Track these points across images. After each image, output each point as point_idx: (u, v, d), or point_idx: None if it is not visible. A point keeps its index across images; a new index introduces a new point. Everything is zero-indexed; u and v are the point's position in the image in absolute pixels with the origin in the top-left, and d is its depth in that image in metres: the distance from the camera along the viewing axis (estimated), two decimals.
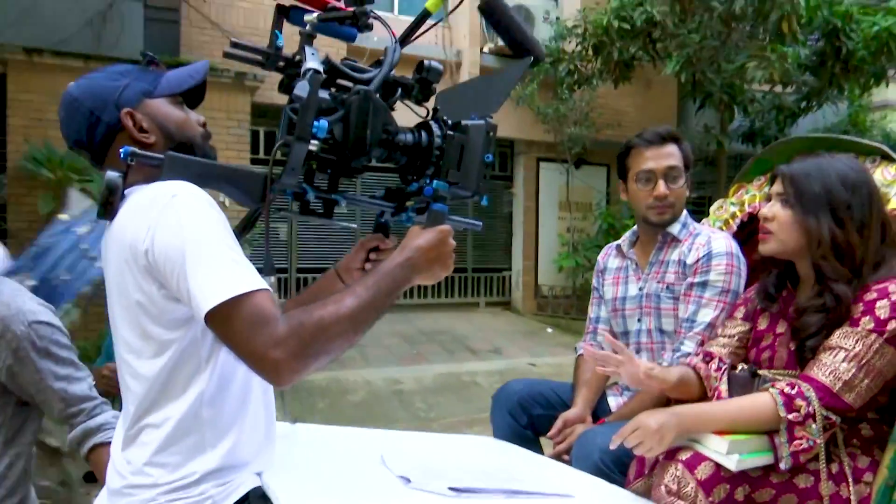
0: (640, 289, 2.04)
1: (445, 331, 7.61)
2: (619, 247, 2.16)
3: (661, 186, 1.96)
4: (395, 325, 7.55)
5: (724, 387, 1.58)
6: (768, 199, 1.68)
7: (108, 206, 1.09)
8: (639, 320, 2.03)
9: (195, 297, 0.99)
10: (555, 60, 6.86)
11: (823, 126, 8.48)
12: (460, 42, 7.61)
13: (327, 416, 4.86)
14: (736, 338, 1.72)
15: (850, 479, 1.43)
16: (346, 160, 1.15)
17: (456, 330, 7.70)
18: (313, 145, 1.07)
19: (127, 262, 1.06)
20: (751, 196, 2.19)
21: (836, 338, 1.45)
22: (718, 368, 1.63)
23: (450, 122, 1.22)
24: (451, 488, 1.23)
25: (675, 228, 1.99)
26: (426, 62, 1.22)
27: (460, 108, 1.26)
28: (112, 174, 1.09)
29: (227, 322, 0.99)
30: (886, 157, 1.80)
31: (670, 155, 1.97)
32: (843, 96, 6.74)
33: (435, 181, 1.19)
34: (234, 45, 1.11)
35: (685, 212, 2.04)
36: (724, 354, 1.70)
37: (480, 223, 1.37)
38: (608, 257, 2.19)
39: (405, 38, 1.28)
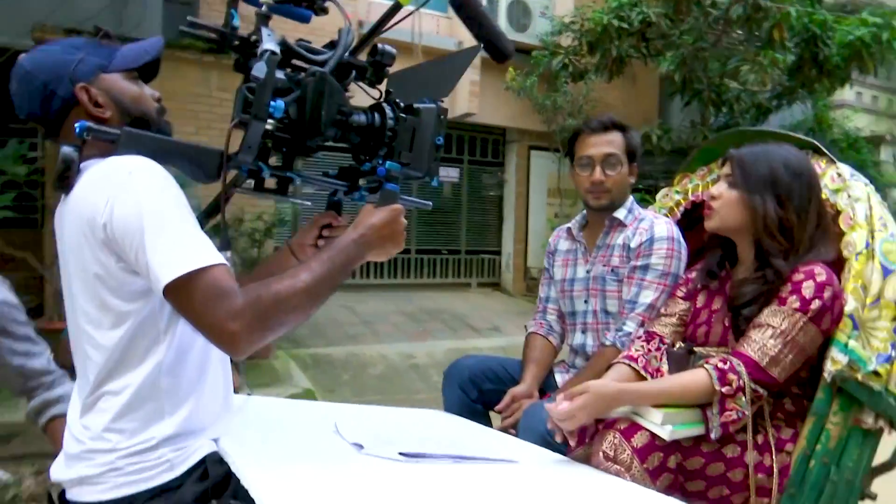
0: (588, 271, 2.11)
1: (445, 309, 7.85)
2: (569, 229, 2.24)
3: (598, 172, 2.04)
4: (399, 303, 7.79)
5: (665, 367, 1.68)
6: (717, 182, 1.77)
7: (64, 181, 1.11)
8: (585, 301, 2.11)
9: (153, 271, 1.02)
10: (551, 54, 7.17)
11: (791, 122, 8.91)
12: (462, 33, 7.73)
13: (353, 388, 5.09)
14: (676, 316, 1.82)
15: (773, 449, 1.54)
16: (301, 139, 1.19)
17: (455, 309, 7.96)
18: (269, 124, 1.10)
19: (85, 236, 1.08)
20: (694, 185, 2.28)
21: (765, 316, 1.55)
22: (658, 348, 1.72)
23: (402, 104, 1.27)
24: (401, 453, 1.28)
25: (620, 213, 2.07)
26: (379, 46, 1.26)
27: (413, 91, 1.30)
28: (67, 149, 1.10)
29: (185, 295, 1.02)
30: (818, 151, 1.91)
31: (610, 143, 2.05)
32: (811, 96, 7.27)
33: (387, 162, 1.24)
34: (191, 23, 1.13)
35: (631, 198, 2.12)
36: (666, 333, 1.79)
37: (430, 203, 1.42)
38: (559, 239, 2.26)
39: (376, 30, 1.31)
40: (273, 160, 1.24)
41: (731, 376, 1.48)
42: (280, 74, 1.15)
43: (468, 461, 1.34)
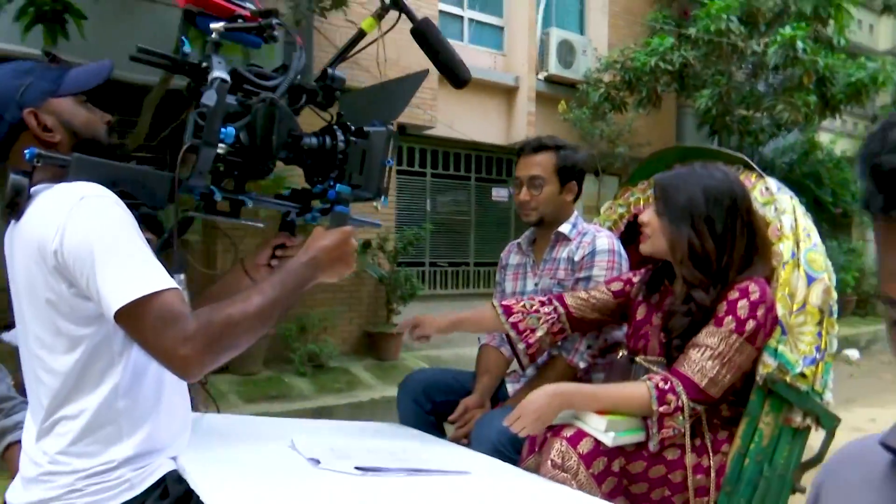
0: (536, 284, 2.19)
1: None
2: (519, 244, 2.31)
3: (522, 193, 2.15)
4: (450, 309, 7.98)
5: (541, 333, 1.89)
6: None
7: (14, 207, 1.11)
8: None
9: (104, 297, 1.04)
10: (592, 88, 8.33)
11: (784, 145, 10.07)
12: (518, 69, 8.52)
13: None
14: (591, 299, 1.92)
15: (710, 451, 1.62)
16: (253, 163, 1.22)
17: None
18: (221, 149, 1.13)
19: (36, 263, 1.09)
20: (635, 199, 2.38)
21: (703, 336, 1.61)
22: (550, 314, 1.91)
23: (353, 127, 1.31)
24: (357, 468, 1.32)
25: (565, 228, 2.15)
26: (329, 70, 1.30)
27: (363, 114, 1.35)
28: (16, 176, 1.11)
29: (136, 320, 1.04)
30: (748, 166, 2.02)
31: (537, 164, 2.14)
32: (806, 124, 8.35)
33: (338, 184, 1.27)
34: (141, 50, 1.15)
35: (575, 213, 2.20)
36: (573, 307, 1.92)
37: (379, 222, 1.46)
38: (510, 254, 2.34)
39: (341, 56, 1.35)
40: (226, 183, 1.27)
41: (671, 397, 1.55)
42: (231, 100, 1.18)
43: (422, 473, 1.38)
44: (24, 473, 1.17)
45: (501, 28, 8.72)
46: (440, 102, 7.23)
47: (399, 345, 6.40)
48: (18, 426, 1.59)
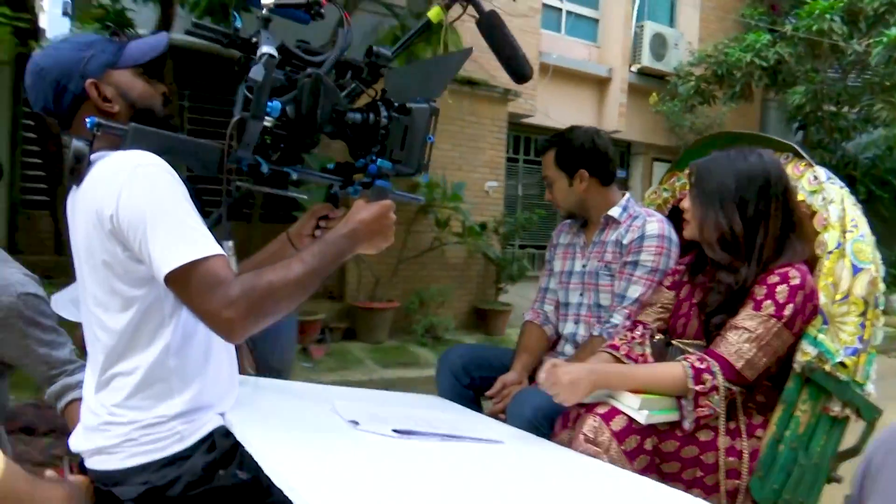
0: (584, 266, 2.20)
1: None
2: (571, 224, 2.32)
3: (547, 193, 2.21)
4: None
5: (648, 350, 1.77)
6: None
7: (75, 173, 1.19)
8: (580, 294, 2.19)
9: (155, 261, 1.10)
10: (682, 80, 8.67)
11: (867, 141, 9.99)
12: (612, 60, 8.86)
13: None
14: (660, 304, 1.90)
15: (744, 435, 1.62)
16: (299, 136, 1.27)
17: None
18: (268, 122, 1.18)
19: (94, 226, 1.16)
20: (681, 184, 2.36)
21: (741, 318, 1.62)
22: (643, 335, 1.81)
23: (396, 103, 1.35)
24: (394, 430, 1.37)
25: (615, 212, 2.15)
26: (375, 47, 1.34)
27: (407, 90, 1.38)
28: (78, 143, 1.18)
29: (184, 284, 1.10)
30: (797, 154, 1.98)
31: (544, 165, 2.20)
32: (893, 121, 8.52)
33: (379, 159, 1.32)
34: (196, 25, 1.21)
35: (627, 195, 2.20)
36: (650, 321, 1.88)
37: (422, 198, 1.50)
38: (561, 233, 2.35)
39: (405, 44, 1.40)
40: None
41: (706, 376, 1.56)
42: (279, 74, 1.23)
43: (456, 440, 1.43)
44: (85, 422, 1.26)
45: (597, 21, 9.11)
46: (538, 92, 7.73)
47: (506, 321, 6.88)
48: (79, 385, 1.69)
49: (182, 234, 1.12)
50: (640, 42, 8.88)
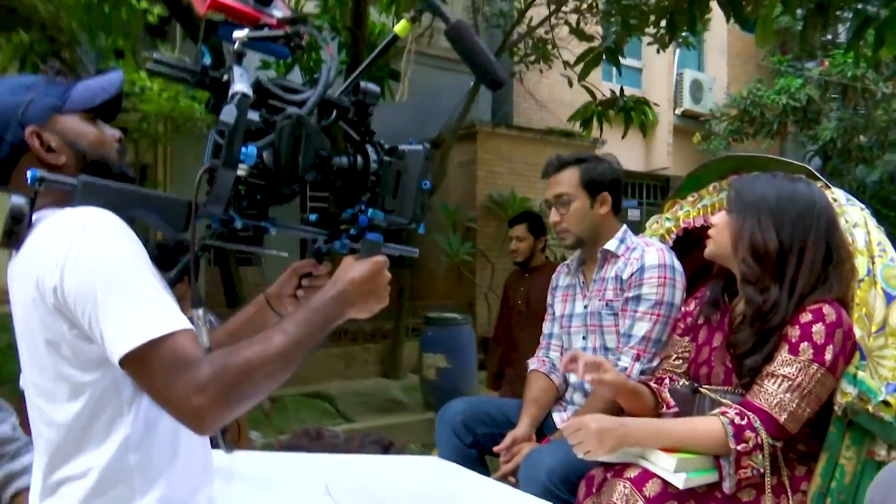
0: (585, 307, 2.04)
1: None
2: (568, 265, 2.17)
3: (553, 214, 2.03)
4: None
5: (667, 396, 1.60)
6: (708, 208, 1.72)
7: (12, 236, 1.01)
8: (584, 338, 2.03)
9: (109, 340, 0.92)
10: (716, 120, 10.02)
11: (871, 166, 11.34)
12: (658, 103, 9.67)
13: None
14: (676, 355, 1.74)
15: (788, 491, 1.46)
16: (277, 186, 1.10)
17: None
18: (242, 170, 1.02)
19: (34, 300, 0.98)
20: (685, 212, 2.23)
21: (778, 364, 1.47)
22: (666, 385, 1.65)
23: (386, 146, 1.19)
24: None
25: (612, 245, 2.00)
26: (362, 84, 1.18)
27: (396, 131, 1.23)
28: (17, 200, 1.01)
29: (143, 367, 0.92)
30: (811, 176, 1.86)
31: (558, 183, 2.03)
32: None
33: (370, 209, 1.15)
34: (157, 61, 1.04)
35: (624, 227, 2.06)
36: (669, 371, 1.71)
37: (416, 250, 1.33)
38: (560, 275, 2.20)
39: (372, 61, 1.25)
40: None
41: (749, 433, 1.41)
42: (254, 116, 1.07)
43: None
44: None
45: (641, 70, 10.42)
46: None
47: None
48: (25, 471, 1.48)
49: (140, 306, 0.94)
50: (681, 87, 10.22)
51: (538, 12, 6.44)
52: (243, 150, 1.00)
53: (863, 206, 1.78)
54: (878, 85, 8.95)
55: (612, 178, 2.04)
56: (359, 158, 1.16)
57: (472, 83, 6.08)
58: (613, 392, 1.65)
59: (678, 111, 10.17)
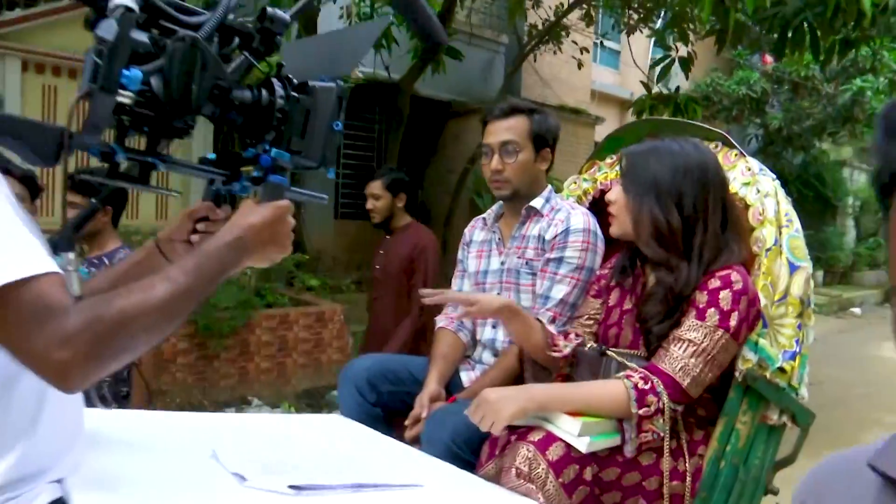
0: (502, 263, 2.00)
1: None
2: (484, 219, 2.11)
3: (495, 160, 1.94)
4: None
5: (567, 349, 1.60)
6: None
7: None
8: (498, 294, 1.99)
9: None
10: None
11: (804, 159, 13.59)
12: (633, 84, 10.52)
13: None
14: (587, 316, 1.73)
15: (686, 454, 1.48)
16: (168, 118, 0.97)
17: None
18: (124, 97, 0.89)
19: None
20: (603, 174, 2.21)
21: (685, 329, 1.47)
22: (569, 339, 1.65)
23: (295, 81, 1.08)
24: (291, 486, 1.11)
25: (538, 203, 1.96)
26: (269, 9, 1.06)
27: (308, 66, 1.12)
28: None
29: (1, 313, 0.80)
30: (727, 144, 1.87)
31: (509, 129, 1.93)
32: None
33: (274, 149, 1.04)
34: None
35: (549, 187, 2.01)
36: (582, 335, 1.70)
37: (325, 196, 1.23)
38: (475, 230, 2.14)
39: (301, 10, 1.13)
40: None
41: (651, 398, 1.40)
42: (142, 37, 0.93)
43: (367, 489, 1.19)
44: None
45: (618, 52, 11.49)
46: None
47: None
48: None
49: (3, 246, 0.81)
50: (653, 70, 11.36)
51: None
52: (126, 73, 0.87)
53: (773, 177, 1.80)
54: (823, 84, 10.61)
55: (556, 135, 1.99)
56: (263, 93, 1.04)
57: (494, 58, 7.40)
58: (507, 315, 1.64)
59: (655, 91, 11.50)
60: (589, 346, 1.63)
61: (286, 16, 1.07)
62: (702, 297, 1.48)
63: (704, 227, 1.53)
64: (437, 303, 1.73)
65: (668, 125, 2.04)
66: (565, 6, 7.44)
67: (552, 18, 7.70)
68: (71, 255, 0.93)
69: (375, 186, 3.30)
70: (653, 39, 10.79)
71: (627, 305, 1.64)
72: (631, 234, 1.61)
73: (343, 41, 1.19)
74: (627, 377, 1.43)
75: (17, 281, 0.79)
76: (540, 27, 7.94)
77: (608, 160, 2.22)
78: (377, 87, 7.30)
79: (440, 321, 2.08)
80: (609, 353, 1.58)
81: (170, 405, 4.39)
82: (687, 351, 1.44)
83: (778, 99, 11.20)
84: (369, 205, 3.36)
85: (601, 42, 11.23)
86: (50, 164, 0.96)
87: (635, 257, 1.69)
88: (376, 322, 3.37)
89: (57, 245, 0.97)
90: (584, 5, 7.38)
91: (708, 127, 1.95)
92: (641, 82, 7.32)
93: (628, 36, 7.89)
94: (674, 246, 1.53)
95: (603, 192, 2.19)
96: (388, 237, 3.37)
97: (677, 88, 11.44)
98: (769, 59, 11.07)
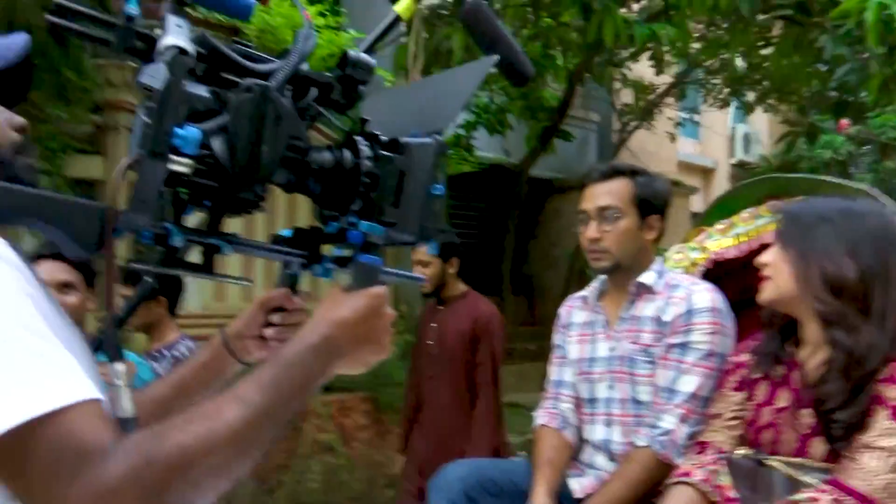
0: (611, 349, 1.72)
1: None
2: (584, 298, 1.86)
3: (592, 228, 1.70)
4: None
5: (726, 480, 1.28)
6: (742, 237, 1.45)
7: None
8: (609, 387, 1.71)
9: None
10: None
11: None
12: (714, 154, 11.37)
13: None
14: (731, 414, 1.43)
15: None
16: (233, 188, 0.78)
17: None
18: (178, 164, 0.70)
19: None
20: (714, 242, 1.95)
21: (877, 435, 1.17)
22: (717, 461, 1.33)
23: (384, 139, 0.88)
24: None
25: (648, 278, 1.70)
26: (350, 53, 0.87)
27: (400, 121, 0.92)
28: None
29: (18, 461, 0.59)
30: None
31: (607, 193, 1.71)
32: None
33: (364, 222, 0.84)
34: (59, 7, 0.73)
35: (659, 260, 1.76)
36: (723, 440, 1.39)
37: (423, 277, 1.01)
38: (573, 310, 1.88)
39: (371, 47, 0.95)
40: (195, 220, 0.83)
41: None
42: (201, 91, 0.75)
43: None
44: None
45: (698, 122, 11.56)
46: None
47: None
48: None
49: (17, 370, 0.61)
50: (734, 140, 11.63)
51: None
52: (180, 132, 0.69)
53: None
54: None
55: (665, 199, 1.75)
56: (346, 153, 0.84)
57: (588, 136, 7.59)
58: None
59: (733, 161, 11.56)
60: (742, 453, 1.32)
61: (372, 60, 0.89)
62: (892, 392, 1.17)
63: (886, 284, 1.26)
64: None
65: (794, 184, 1.77)
66: (655, 84, 8.00)
67: (640, 95, 8.24)
68: (119, 367, 0.72)
69: (422, 252, 2.88)
70: (730, 109, 11.02)
71: (782, 402, 1.34)
72: (787, 296, 1.34)
73: (439, 87, 1.00)
74: (813, 500, 1.11)
75: (47, 414, 0.58)
76: (631, 102, 8.54)
77: (718, 226, 1.97)
78: (490, 168, 7.53)
79: (540, 417, 1.80)
80: (770, 462, 1.27)
81: None
82: (886, 463, 1.12)
83: (863, 161, 11.07)
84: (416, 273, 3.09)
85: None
86: (91, 252, 0.77)
87: (784, 339, 1.39)
88: (432, 402, 3.05)
89: (99, 348, 0.78)
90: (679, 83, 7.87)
91: (847, 183, 1.69)
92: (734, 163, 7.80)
93: (720, 109, 8.50)
94: (851, 299, 1.26)
95: (716, 262, 1.93)
96: (440, 307, 2.99)
97: (762, 157, 11.20)
98: (845, 121, 10.97)
